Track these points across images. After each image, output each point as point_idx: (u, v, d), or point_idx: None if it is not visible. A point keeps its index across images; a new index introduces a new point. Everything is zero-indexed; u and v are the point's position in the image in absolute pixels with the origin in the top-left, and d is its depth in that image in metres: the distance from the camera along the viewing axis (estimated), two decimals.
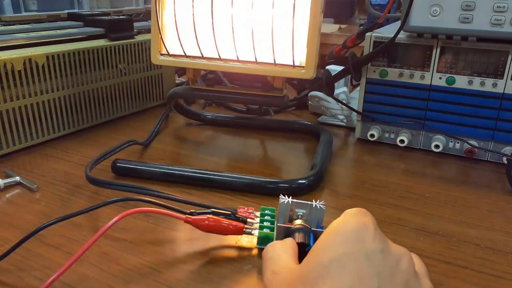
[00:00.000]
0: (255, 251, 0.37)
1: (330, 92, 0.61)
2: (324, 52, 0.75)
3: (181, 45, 0.53)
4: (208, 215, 0.36)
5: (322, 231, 0.34)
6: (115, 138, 0.63)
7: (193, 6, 0.51)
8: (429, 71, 0.56)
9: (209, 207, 0.37)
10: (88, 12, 0.75)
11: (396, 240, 0.27)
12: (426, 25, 0.54)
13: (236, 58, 0.52)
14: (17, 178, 0.48)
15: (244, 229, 0.36)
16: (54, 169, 0.53)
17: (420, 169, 0.55)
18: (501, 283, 0.34)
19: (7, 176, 0.49)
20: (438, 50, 0.55)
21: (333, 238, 0.25)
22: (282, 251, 0.30)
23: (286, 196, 0.36)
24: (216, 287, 0.33)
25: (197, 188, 0.48)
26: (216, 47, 0.52)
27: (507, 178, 0.50)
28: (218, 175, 0.48)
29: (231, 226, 0.36)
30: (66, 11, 0.79)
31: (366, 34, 0.59)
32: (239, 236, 0.38)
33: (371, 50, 0.58)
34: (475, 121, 0.56)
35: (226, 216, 0.37)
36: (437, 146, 0.58)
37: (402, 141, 0.59)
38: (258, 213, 0.38)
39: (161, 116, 0.68)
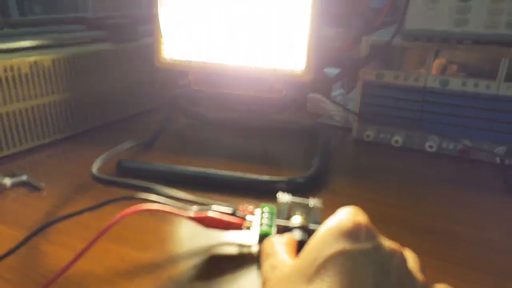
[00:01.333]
0: (255, 248, 0.38)
1: (327, 93, 0.62)
2: (322, 54, 0.76)
3: (183, 48, 0.54)
4: (209, 212, 0.37)
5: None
6: (119, 138, 0.63)
7: (195, 9, 0.52)
8: (424, 73, 0.57)
9: (210, 205, 0.38)
10: (92, 16, 0.76)
11: (393, 239, 0.27)
12: (422, 28, 0.54)
13: (236, 60, 0.53)
14: (24, 177, 0.49)
15: (244, 227, 0.37)
16: (60, 169, 0.54)
17: (416, 169, 0.56)
18: (498, 282, 0.35)
19: (14, 175, 0.50)
20: (433, 52, 0.56)
21: (329, 236, 0.26)
22: (280, 247, 0.31)
23: (284, 194, 0.37)
24: (217, 282, 0.34)
25: (199, 186, 0.49)
26: (217, 48, 0.52)
27: (501, 177, 0.51)
28: (219, 174, 0.49)
29: (231, 223, 0.37)
30: (71, 14, 0.80)
31: (363, 37, 0.60)
32: (239, 233, 0.39)
33: (367, 53, 0.59)
34: (469, 122, 0.56)
35: (226, 213, 0.38)
36: (431, 146, 0.59)
37: (397, 141, 0.60)
38: (257, 211, 0.39)
39: (163, 117, 0.69)
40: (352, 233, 0.25)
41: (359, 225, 0.26)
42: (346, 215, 0.27)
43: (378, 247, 0.25)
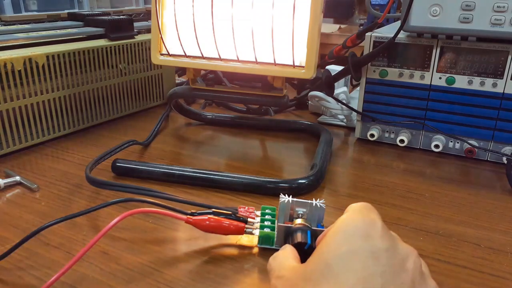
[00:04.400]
0: (255, 251, 0.37)
1: (330, 92, 0.61)
2: (324, 52, 0.76)
3: (181, 45, 0.53)
4: (209, 215, 0.36)
5: (322, 230, 0.34)
6: (115, 138, 0.63)
7: (193, 6, 0.51)
8: (429, 71, 0.57)
9: (209, 207, 0.37)
10: (88, 12, 0.75)
11: None
12: (426, 25, 0.54)
13: (236, 58, 0.52)
14: (18, 178, 0.48)
15: (245, 229, 0.37)
16: (54, 169, 0.53)
17: (420, 169, 0.55)
18: (501, 283, 0.34)
19: (8, 176, 0.49)
20: (438, 50, 0.55)
21: (338, 236, 0.25)
22: (283, 259, 0.30)
23: (286, 195, 0.36)
24: (216, 287, 0.33)
25: (197, 188, 0.48)
26: (216, 47, 0.52)
27: (507, 177, 0.50)
28: (218, 175, 0.48)
29: (232, 226, 0.36)
30: (66, 11, 0.79)
31: (366, 34, 0.59)
32: (240, 236, 0.38)
33: (371, 50, 0.58)
34: (475, 121, 0.56)
35: (226, 216, 0.37)
36: (437, 146, 0.58)
37: (402, 141, 0.59)
38: (258, 213, 0.38)
39: (161, 116, 0.68)
40: (364, 231, 0.25)
41: (372, 223, 0.25)
42: (358, 213, 0.26)
43: (391, 248, 0.24)
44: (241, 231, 0.36)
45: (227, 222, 0.36)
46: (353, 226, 0.25)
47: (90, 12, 0.75)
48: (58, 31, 0.66)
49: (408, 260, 0.25)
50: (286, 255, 0.31)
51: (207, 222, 0.36)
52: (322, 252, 0.25)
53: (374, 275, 0.23)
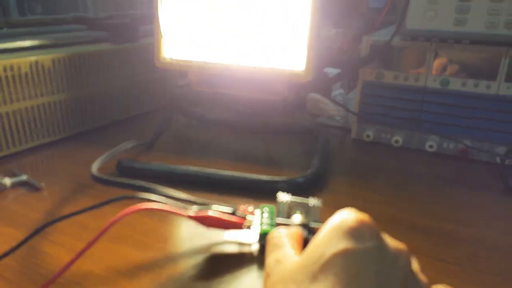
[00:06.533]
0: (255, 247, 0.38)
1: (327, 93, 0.62)
2: (322, 55, 0.76)
3: (184, 48, 0.54)
4: (209, 211, 0.37)
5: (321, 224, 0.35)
6: (119, 139, 0.63)
7: (195, 9, 0.52)
8: (423, 73, 0.57)
9: (210, 205, 0.38)
10: (92, 16, 0.76)
11: None
12: (421, 28, 0.55)
13: (237, 60, 0.53)
14: (24, 177, 0.49)
15: (244, 225, 0.37)
16: (60, 169, 0.54)
17: (416, 168, 0.56)
18: (497, 282, 0.35)
19: (14, 175, 0.50)
20: (433, 52, 0.56)
21: (333, 234, 0.25)
22: (287, 239, 0.31)
23: (284, 193, 0.37)
24: (218, 281, 0.34)
25: (199, 186, 0.49)
26: (218, 50, 0.52)
27: (500, 177, 0.51)
28: (219, 174, 0.49)
29: (232, 222, 0.37)
30: (71, 14, 0.80)
31: (363, 37, 0.60)
32: (240, 233, 0.39)
33: (367, 53, 0.59)
34: (469, 122, 0.57)
35: (226, 213, 0.38)
36: (431, 146, 0.59)
37: (397, 141, 0.60)
38: (257, 211, 0.39)
39: (164, 118, 0.69)
40: (356, 231, 0.25)
41: (363, 224, 0.25)
42: (350, 214, 0.26)
43: (382, 247, 0.25)
44: (240, 227, 0.37)
45: (227, 217, 0.37)
46: (345, 226, 0.25)
47: (95, 16, 0.77)
48: (64, 35, 0.67)
49: (400, 258, 0.25)
50: (291, 237, 0.31)
51: (209, 215, 0.37)
52: (320, 248, 0.25)
53: (368, 275, 0.23)
